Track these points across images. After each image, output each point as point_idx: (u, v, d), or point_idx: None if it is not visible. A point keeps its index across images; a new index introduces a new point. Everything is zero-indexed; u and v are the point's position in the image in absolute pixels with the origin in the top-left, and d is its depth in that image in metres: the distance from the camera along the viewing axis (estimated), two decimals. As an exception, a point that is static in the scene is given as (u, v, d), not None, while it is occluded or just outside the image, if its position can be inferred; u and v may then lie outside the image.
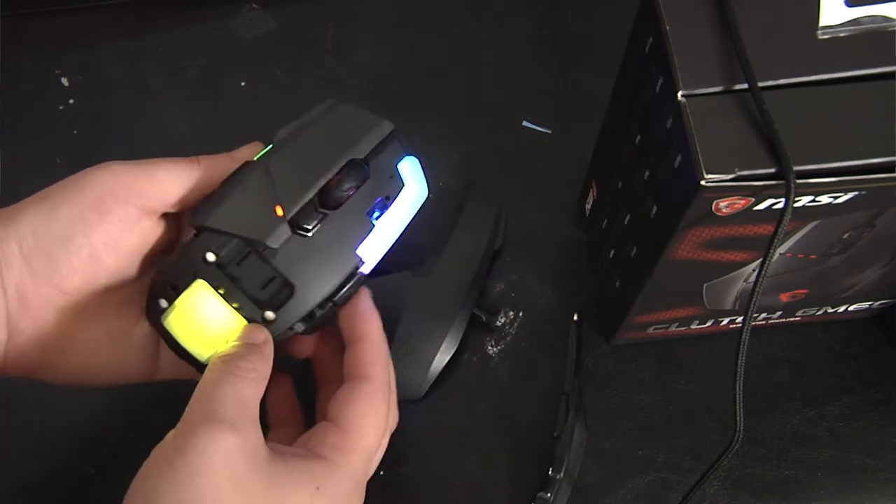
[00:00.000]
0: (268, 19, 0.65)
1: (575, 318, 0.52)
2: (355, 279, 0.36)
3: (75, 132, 0.61)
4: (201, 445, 0.29)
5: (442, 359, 0.51)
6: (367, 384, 0.34)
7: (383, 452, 0.36)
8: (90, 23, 0.65)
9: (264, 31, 0.65)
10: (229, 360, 0.32)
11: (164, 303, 0.35)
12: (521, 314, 0.55)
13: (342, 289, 0.35)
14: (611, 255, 0.50)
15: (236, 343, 0.33)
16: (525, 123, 0.61)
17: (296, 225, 0.34)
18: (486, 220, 0.55)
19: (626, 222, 0.46)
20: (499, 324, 0.54)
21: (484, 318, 0.53)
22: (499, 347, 0.54)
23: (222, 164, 0.35)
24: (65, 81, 0.63)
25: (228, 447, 0.29)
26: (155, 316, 0.35)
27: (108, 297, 0.35)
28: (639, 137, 0.43)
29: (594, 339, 0.54)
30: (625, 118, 0.45)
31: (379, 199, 0.36)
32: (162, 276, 0.35)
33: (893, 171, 0.35)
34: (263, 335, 0.34)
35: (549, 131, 0.61)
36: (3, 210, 0.34)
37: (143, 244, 0.35)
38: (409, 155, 0.38)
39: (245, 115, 0.61)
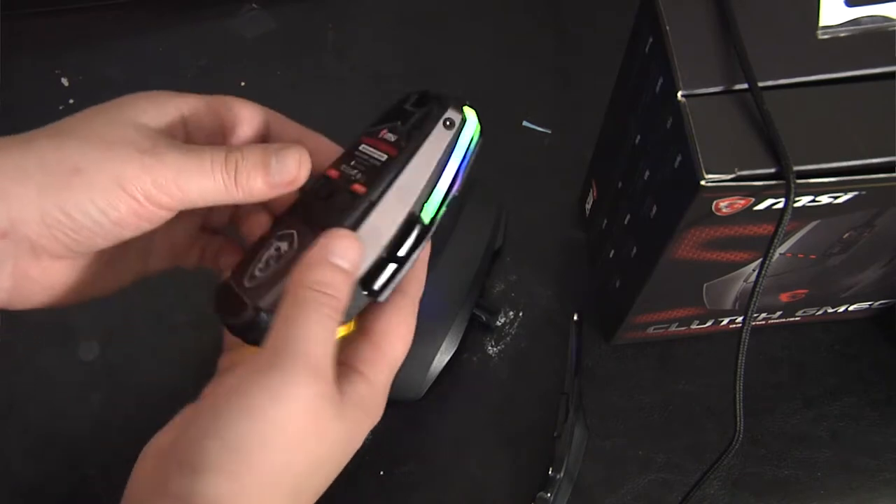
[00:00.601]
0: (268, 19, 0.65)
1: (575, 318, 0.52)
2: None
3: (75, 132, 0.61)
4: (292, 393, 0.29)
5: (442, 359, 0.51)
6: (399, 296, 0.34)
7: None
8: (90, 23, 0.65)
9: (264, 31, 0.65)
10: (318, 295, 0.31)
11: (249, 282, 0.34)
12: (521, 314, 0.55)
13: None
14: (611, 255, 0.50)
15: (330, 263, 0.32)
16: (525, 123, 0.61)
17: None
18: (486, 220, 0.55)
19: (626, 222, 0.46)
20: (499, 324, 0.54)
21: (484, 318, 0.53)
22: (499, 347, 0.54)
23: (259, 185, 0.33)
24: (65, 81, 0.63)
25: (314, 393, 0.29)
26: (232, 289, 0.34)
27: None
28: (639, 137, 0.43)
29: (594, 339, 0.54)
30: (625, 118, 0.45)
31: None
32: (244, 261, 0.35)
33: (893, 171, 0.35)
34: (354, 252, 0.32)
35: (549, 131, 0.61)
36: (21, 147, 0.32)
37: (164, 220, 0.34)
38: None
39: (245, 115, 0.61)
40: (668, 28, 0.37)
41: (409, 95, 0.36)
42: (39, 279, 0.33)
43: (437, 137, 0.35)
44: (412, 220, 0.34)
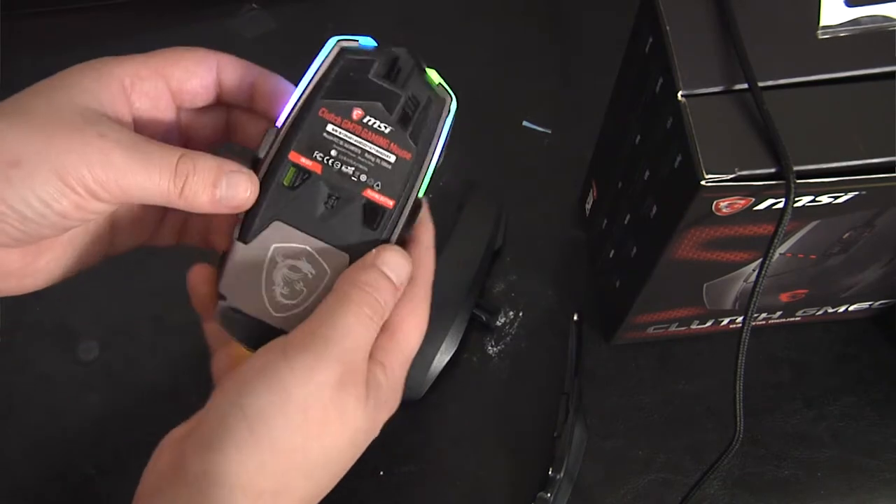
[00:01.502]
0: (268, 19, 0.65)
1: (575, 318, 0.52)
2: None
3: (75, 132, 0.61)
4: (319, 377, 0.29)
5: (442, 359, 0.51)
6: (411, 289, 0.34)
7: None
8: (90, 23, 0.65)
9: (264, 31, 0.65)
10: (366, 296, 0.31)
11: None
12: (521, 314, 0.55)
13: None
14: (611, 255, 0.50)
15: (381, 271, 0.32)
16: (525, 123, 0.61)
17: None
18: (486, 220, 0.55)
19: (626, 222, 0.46)
20: (499, 324, 0.54)
21: (484, 318, 0.53)
22: (499, 347, 0.54)
23: (204, 201, 0.32)
24: (65, 81, 0.62)
25: (341, 382, 0.30)
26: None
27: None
28: (639, 137, 0.43)
29: (594, 339, 0.54)
30: (625, 118, 0.45)
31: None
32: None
33: (893, 171, 0.35)
34: (406, 273, 0.33)
35: (549, 131, 0.61)
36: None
37: (108, 211, 0.33)
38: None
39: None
40: (668, 28, 0.37)
41: (365, 61, 0.34)
42: None
43: (442, 129, 0.34)
44: (417, 204, 0.34)
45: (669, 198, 0.39)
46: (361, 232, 0.33)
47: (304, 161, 0.33)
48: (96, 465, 0.50)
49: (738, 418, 0.37)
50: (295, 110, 0.33)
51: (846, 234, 0.41)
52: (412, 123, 0.33)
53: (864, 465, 0.51)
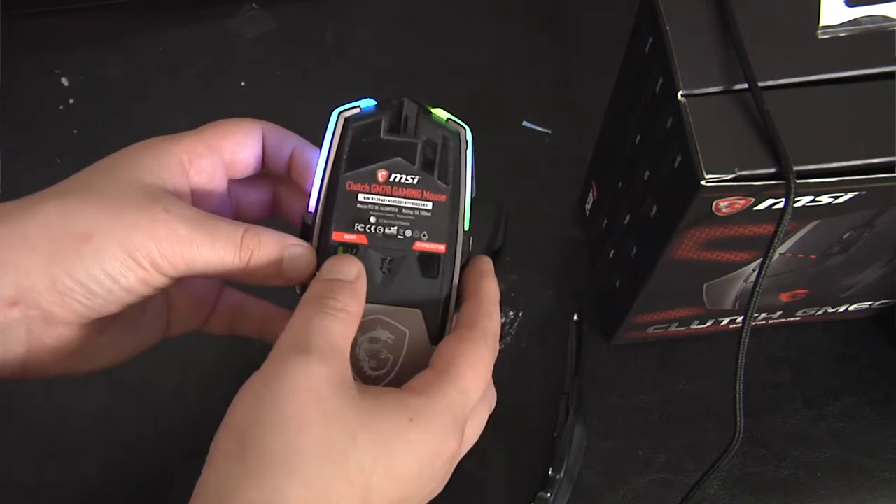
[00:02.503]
0: (268, 19, 0.65)
1: (575, 318, 0.52)
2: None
3: (75, 132, 0.61)
4: (286, 372, 0.29)
5: (442, 359, 0.51)
6: (468, 331, 0.33)
7: (491, 408, 0.35)
8: (90, 23, 0.65)
9: (264, 31, 0.65)
10: (319, 298, 0.31)
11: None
12: (521, 314, 0.55)
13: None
14: (611, 255, 0.50)
15: (326, 279, 0.32)
16: (525, 123, 0.61)
17: None
18: (486, 220, 0.55)
19: (626, 222, 0.46)
20: (499, 324, 0.54)
21: (484, 318, 0.53)
22: (499, 347, 0.54)
23: (269, 273, 0.33)
24: (65, 81, 0.63)
25: (315, 374, 0.29)
26: None
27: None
28: (639, 137, 0.43)
29: (594, 339, 0.54)
30: (625, 118, 0.45)
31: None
32: None
33: (893, 171, 0.35)
34: (355, 269, 0.33)
35: (549, 131, 0.61)
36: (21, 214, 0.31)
37: (170, 284, 0.34)
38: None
39: (245, 115, 0.61)
40: (668, 28, 0.37)
41: (371, 123, 0.34)
42: (54, 346, 0.32)
43: (466, 161, 0.34)
44: (467, 238, 0.34)
45: (669, 198, 0.39)
46: (424, 283, 0.33)
47: (349, 237, 0.33)
48: (96, 465, 0.50)
49: (738, 418, 0.37)
50: (322, 192, 0.33)
51: (846, 234, 0.41)
52: (436, 165, 0.34)
53: (864, 465, 0.51)
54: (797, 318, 0.52)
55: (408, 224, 0.33)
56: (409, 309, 0.33)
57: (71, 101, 0.62)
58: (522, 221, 0.57)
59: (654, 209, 0.41)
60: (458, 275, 0.34)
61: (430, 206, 0.33)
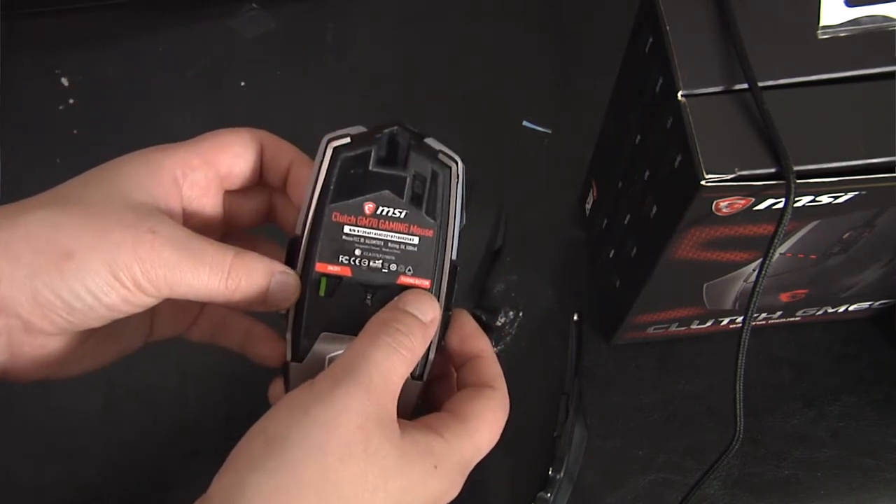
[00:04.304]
0: (268, 19, 0.65)
1: (575, 318, 0.52)
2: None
3: (75, 132, 0.61)
4: (343, 402, 0.29)
5: (442, 359, 0.51)
6: (491, 391, 0.34)
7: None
8: (90, 23, 0.65)
9: (264, 31, 0.65)
10: (393, 331, 0.31)
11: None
12: (521, 314, 0.55)
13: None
14: (611, 255, 0.50)
15: (405, 310, 0.32)
16: (525, 123, 0.61)
17: None
18: (486, 221, 0.55)
19: (626, 222, 0.46)
20: (499, 324, 0.54)
21: (484, 318, 0.53)
22: (499, 347, 0.54)
23: (255, 300, 0.33)
24: (65, 81, 0.63)
25: (367, 411, 0.29)
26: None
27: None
28: (639, 137, 0.43)
29: (594, 339, 0.54)
30: (625, 118, 0.45)
31: None
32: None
33: (893, 171, 0.35)
34: (433, 312, 0.33)
35: (549, 131, 0.61)
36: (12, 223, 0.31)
37: (153, 304, 0.35)
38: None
39: (245, 115, 0.61)
40: (668, 28, 0.37)
41: (361, 154, 0.33)
42: (35, 355, 0.32)
43: (455, 195, 0.34)
44: (453, 268, 0.34)
45: (669, 198, 0.39)
46: None
47: (332, 268, 0.33)
48: (96, 466, 0.50)
49: (738, 418, 0.37)
50: (309, 221, 0.33)
51: (846, 234, 0.41)
52: (425, 200, 0.33)
53: (864, 465, 0.51)
54: (797, 318, 0.52)
55: (393, 258, 0.33)
56: None
57: (71, 101, 0.62)
58: (522, 221, 0.57)
59: (654, 209, 0.41)
60: (444, 306, 0.34)
61: (416, 240, 0.33)
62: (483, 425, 0.33)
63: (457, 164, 0.34)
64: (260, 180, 0.37)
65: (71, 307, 0.31)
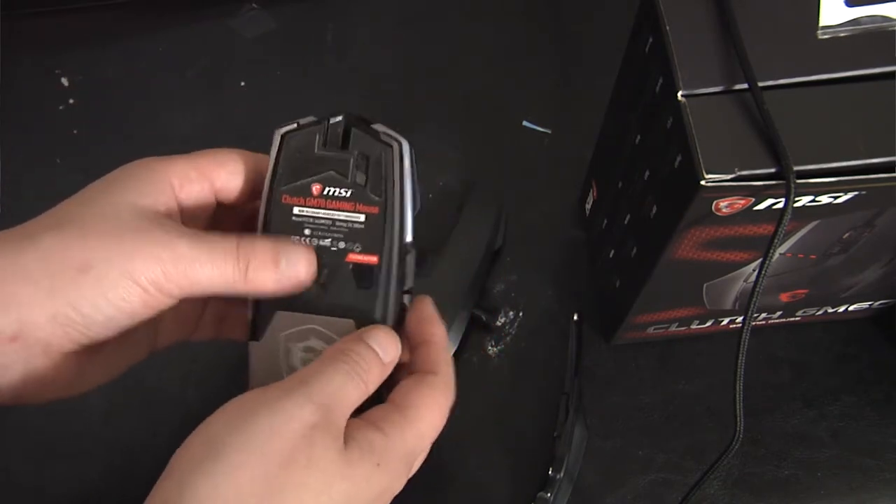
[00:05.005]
0: (268, 19, 0.65)
1: (575, 318, 0.52)
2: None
3: (75, 132, 0.61)
4: (291, 411, 0.29)
5: (442, 359, 0.51)
6: (433, 378, 0.34)
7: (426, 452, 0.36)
8: (90, 23, 0.65)
9: (264, 31, 0.65)
10: (352, 361, 0.32)
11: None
12: (521, 314, 0.55)
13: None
14: (611, 255, 0.50)
15: (368, 344, 0.33)
16: (525, 123, 0.61)
17: None
18: (486, 220, 0.55)
19: (626, 222, 0.46)
20: (499, 324, 0.54)
21: (484, 318, 0.53)
22: (499, 347, 0.54)
23: (268, 280, 0.33)
24: (65, 81, 0.63)
25: (313, 423, 0.29)
26: None
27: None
28: (639, 137, 0.43)
29: (594, 339, 0.54)
30: (625, 118, 0.45)
31: None
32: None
33: (893, 171, 0.35)
34: (394, 354, 0.34)
35: (549, 131, 0.61)
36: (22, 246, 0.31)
37: (169, 306, 0.35)
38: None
39: (245, 115, 0.61)
40: (668, 28, 0.37)
41: (307, 139, 0.35)
42: (49, 375, 0.32)
43: (402, 174, 0.35)
44: (405, 251, 0.35)
45: (669, 198, 0.39)
46: (359, 294, 0.34)
47: None
48: (96, 466, 0.50)
49: (738, 418, 0.37)
50: (264, 206, 0.35)
51: (846, 234, 0.41)
52: (369, 178, 0.34)
53: (864, 465, 0.51)
54: (797, 318, 0.52)
55: (341, 236, 0.34)
56: (344, 320, 0.34)
57: (71, 101, 0.62)
58: (522, 221, 0.57)
59: (654, 209, 0.41)
60: (397, 285, 0.34)
61: (362, 218, 0.34)
62: (424, 413, 0.33)
63: (400, 144, 0.35)
64: (249, 197, 0.38)
65: (91, 321, 0.31)
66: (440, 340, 0.36)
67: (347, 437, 0.31)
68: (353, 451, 0.30)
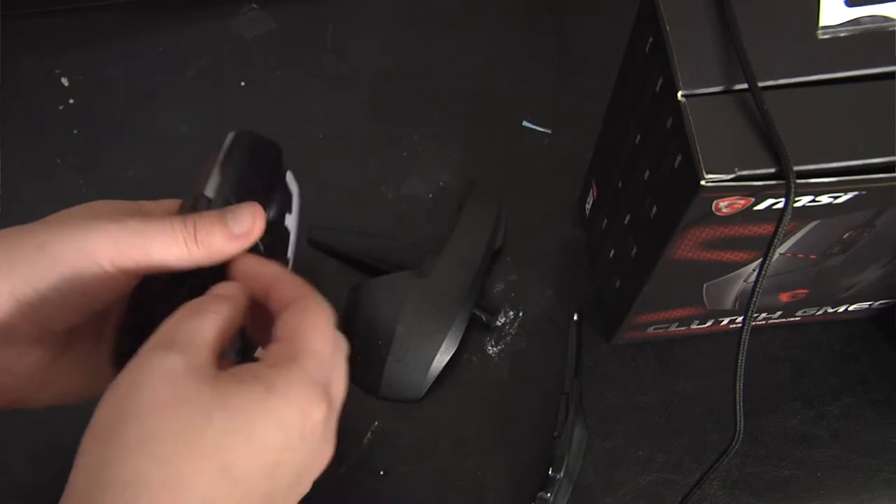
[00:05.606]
0: (268, 19, 0.65)
1: (575, 318, 0.52)
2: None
3: (75, 132, 0.61)
4: (143, 365, 0.29)
5: (442, 359, 0.51)
6: (303, 301, 0.34)
7: (345, 354, 0.35)
8: (90, 23, 0.65)
9: (264, 31, 0.65)
10: (196, 303, 0.32)
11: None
12: (521, 314, 0.55)
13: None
14: (611, 255, 0.50)
15: (206, 294, 0.34)
16: (525, 123, 0.61)
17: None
18: (486, 220, 0.55)
19: (626, 222, 0.46)
20: (499, 324, 0.54)
21: (484, 318, 0.53)
22: (499, 347, 0.54)
23: (218, 240, 0.34)
24: (65, 81, 0.63)
25: (171, 363, 0.29)
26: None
27: (85, 327, 0.36)
28: (639, 137, 0.43)
29: (594, 339, 0.54)
30: (625, 118, 0.45)
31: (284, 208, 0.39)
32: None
33: (893, 171, 0.35)
34: (233, 287, 0.34)
35: (549, 131, 0.61)
36: None
37: (129, 287, 0.35)
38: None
39: (245, 115, 0.61)
40: (668, 28, 0.37)
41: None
42: (12, 369, 0.33)
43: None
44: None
45: (669, 198, 0.39)
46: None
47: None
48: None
49: (738, 418, 0.37)
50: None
51: (846, 234, 0.41)
52: None
53: (864, 465, 0.51)
54: (797, 318, 0.52)
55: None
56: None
57: (71, 101, 0.62)
58: (522, 221, 0.57)
59: (654, 209, 0.41)
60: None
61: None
62: (310, 331, 0.33)
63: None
64: None
65: (47, 300, 0.31)
66: (284, 274, 0.36)
67: (222, 374, 0.30)
68: (226, 381, 0.30)
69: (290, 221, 0.40)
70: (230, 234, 0.34)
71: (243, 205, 0.35)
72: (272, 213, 0.38)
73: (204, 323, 0.31)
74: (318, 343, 0.32)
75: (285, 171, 0.40)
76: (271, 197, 0.38)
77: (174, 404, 0.28)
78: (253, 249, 0.36)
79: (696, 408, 0.52)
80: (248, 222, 0.35)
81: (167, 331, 0.31)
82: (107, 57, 0.64)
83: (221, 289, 0.34)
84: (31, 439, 0.51)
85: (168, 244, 0.33)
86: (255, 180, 0.38)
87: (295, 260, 0.40)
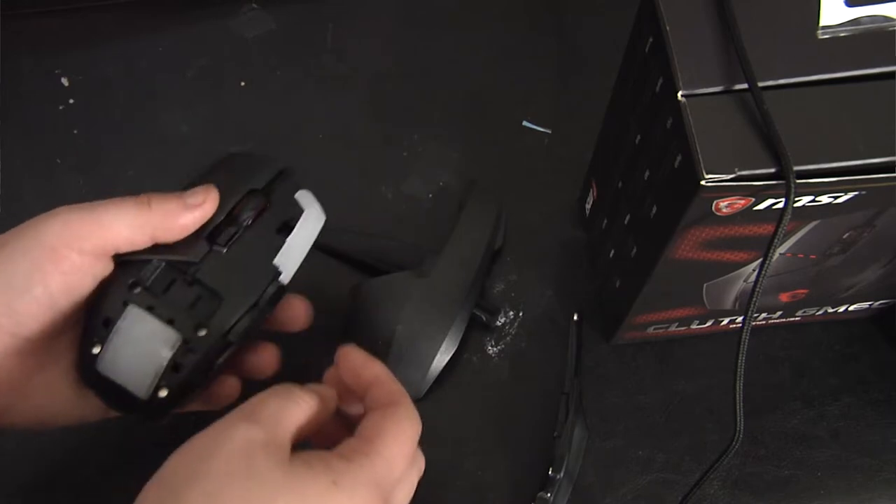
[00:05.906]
0: (268, 19, 0.65)
1: (575, 318, 0.52)
2: (276, 286, 0.38)
3: (75, 132, 0.61)
4: (226, 431, 0.30)
5: (442, 359, 0.51)
6: (394, 408, 0.35)
7: (420, 473, 0.36)
8: (90, 23, 0.65)
9: (264, 31, 0.65)
10: (290, 388, 0.33)
11: (97, 349, 0.35)
12: (521, 314, 0.55)
13: (264, 295, 0.38)
14: (611, 255, 0.50)
15: (305, 385, 0.34)
16: (525, 123, 0.61)
17: (212, 242, 0.37)
18: (486, 220, 0.55)
19: (626, 222, 0.46)
20: (499, 324, 0.54)
21: (484, 318, 0.53)
22: (499, 347, 0.54)
23: (172, 206, 0.35)
24: (65, 81, 0.63)
25: (251, 438, 0.30)
26: (89, 367, 0.36)
27: (63, 337, 0.36)
28: (639, 137, 0.43)
29: (594, 339, 0.54)
30: (625, 118, 0.45)
31: (283, 220, 0.39)
32: (93, 317, 0.36)
33: (893, 171, 0.35)
34: (329, 392, 0.35)
35: (549, 131, 0.61)
36: None
37: (93, 281, 0.35)
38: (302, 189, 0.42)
39: (245, 115, 0.61)
40: (668, 28, 0.37)
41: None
42: None
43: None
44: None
45: (669, 198, 0.39)
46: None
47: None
48: (97, 466, 0.50)
49: (738, 418, 0.37)
50: None
51: (846, 234, 0.41)
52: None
53: (864, 465, 0.51)
54: (797, 318, 0.52)
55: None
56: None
57: (71, 101, 0.62)
58: (522, 221, 0.57)
59: (654, 209, 0.41)
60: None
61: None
62: (390, 441, 0.33)
63: (302, 212, 0.41)
64: None
65: (7, 297, 0.32)
66: (386, 376, 0.37)
67: (298, 457, 0.31)
68: (301, 467, 0.30)
69: (296, 236, 0.40)
70: (184, 203, 0.35)
71: (199, 186, 0.37)
72: (248, 215, 0.38)
73: (293, 408, 0.32)
74: (395, 451, 0.33)
75: (296, 188, 0.41)
76: (258, 204, 0.38)
77: (246, 476, 0.29)
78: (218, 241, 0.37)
79: (696, 408, 0.52)
80: (201, 196, 0.36)
81: (256, 404, 0.31)
82: (107, 57, 0.64)
83: (319, 387, 0.35)
84: (31, 439, 0.51)
85: (119, 211, 0.34)
86: (225, 185, 0.38)
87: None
